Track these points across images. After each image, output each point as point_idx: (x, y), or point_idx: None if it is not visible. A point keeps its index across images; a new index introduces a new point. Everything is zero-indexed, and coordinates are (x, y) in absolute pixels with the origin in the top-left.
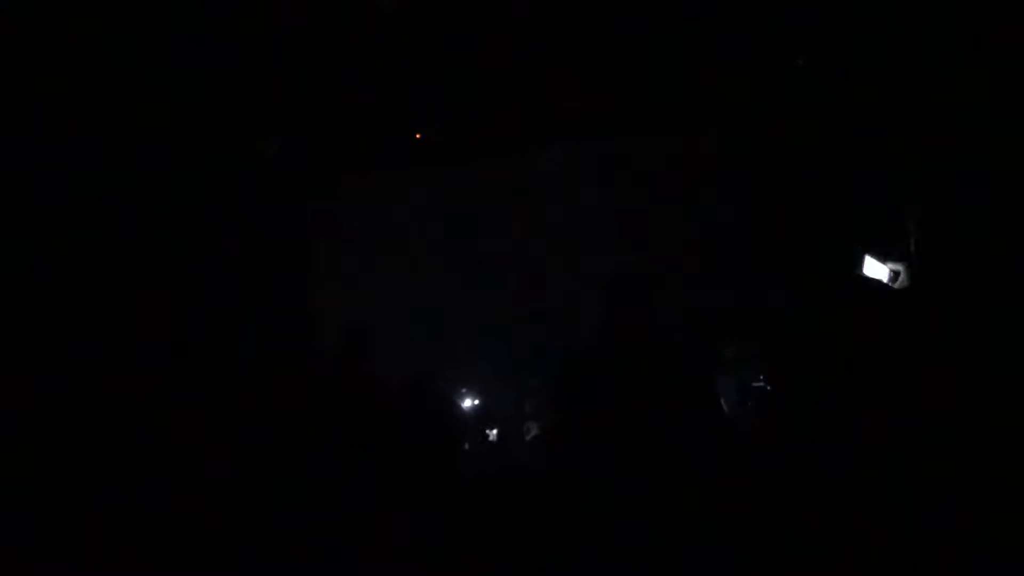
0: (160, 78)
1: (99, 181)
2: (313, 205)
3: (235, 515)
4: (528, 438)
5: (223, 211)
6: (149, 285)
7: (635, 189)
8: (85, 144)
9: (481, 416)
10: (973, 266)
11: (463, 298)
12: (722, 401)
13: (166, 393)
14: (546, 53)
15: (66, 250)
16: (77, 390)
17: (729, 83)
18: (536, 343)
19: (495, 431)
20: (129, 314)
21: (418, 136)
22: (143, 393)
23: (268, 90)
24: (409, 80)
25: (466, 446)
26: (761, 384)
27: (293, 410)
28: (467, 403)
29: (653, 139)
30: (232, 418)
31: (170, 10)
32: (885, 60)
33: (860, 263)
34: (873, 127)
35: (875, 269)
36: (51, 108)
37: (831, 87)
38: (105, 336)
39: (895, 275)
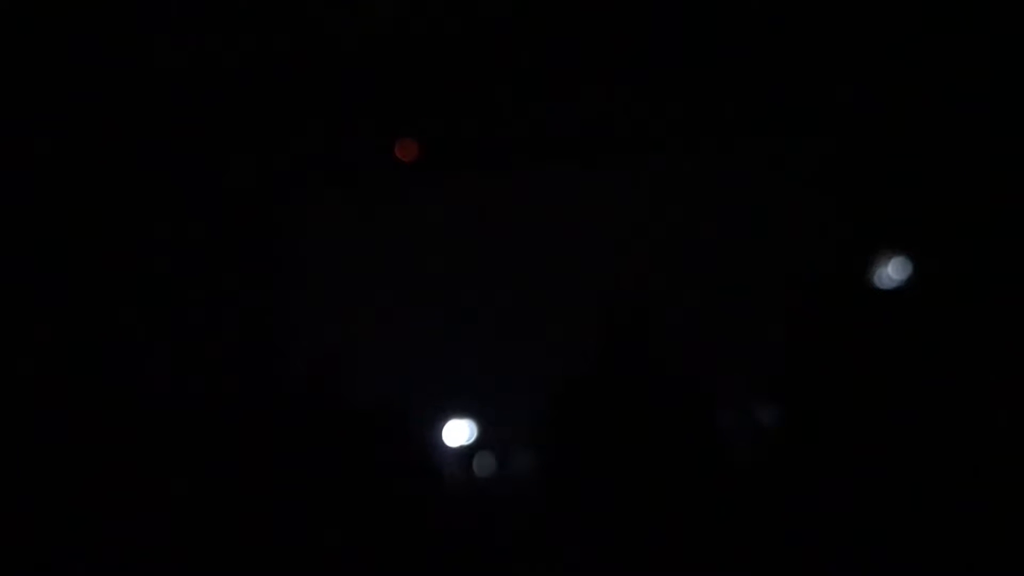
0: (146, 89)
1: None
2: (303, 218)
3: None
4: (522, 463)
5: (205, 221)
6: (123, 295)
7: (636, 207)
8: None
9: (473, 440)
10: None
11: (457, 318)
12: (722, 425)
13: (132, 408)
14: (545, 68)
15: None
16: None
17: (729, 101)
18: (532, 366)
19: (487, 455)
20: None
21: (407, 160)
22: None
23: (259, 104)
24: (403, 94)
25: (455, 471)
26: (763, 407)
27: (267, 431)
28: (459, 427)
29: (653, 157)
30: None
31: (157, 21)
32: (884, 73)
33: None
34: (872, 145)
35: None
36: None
37: (831, 102)
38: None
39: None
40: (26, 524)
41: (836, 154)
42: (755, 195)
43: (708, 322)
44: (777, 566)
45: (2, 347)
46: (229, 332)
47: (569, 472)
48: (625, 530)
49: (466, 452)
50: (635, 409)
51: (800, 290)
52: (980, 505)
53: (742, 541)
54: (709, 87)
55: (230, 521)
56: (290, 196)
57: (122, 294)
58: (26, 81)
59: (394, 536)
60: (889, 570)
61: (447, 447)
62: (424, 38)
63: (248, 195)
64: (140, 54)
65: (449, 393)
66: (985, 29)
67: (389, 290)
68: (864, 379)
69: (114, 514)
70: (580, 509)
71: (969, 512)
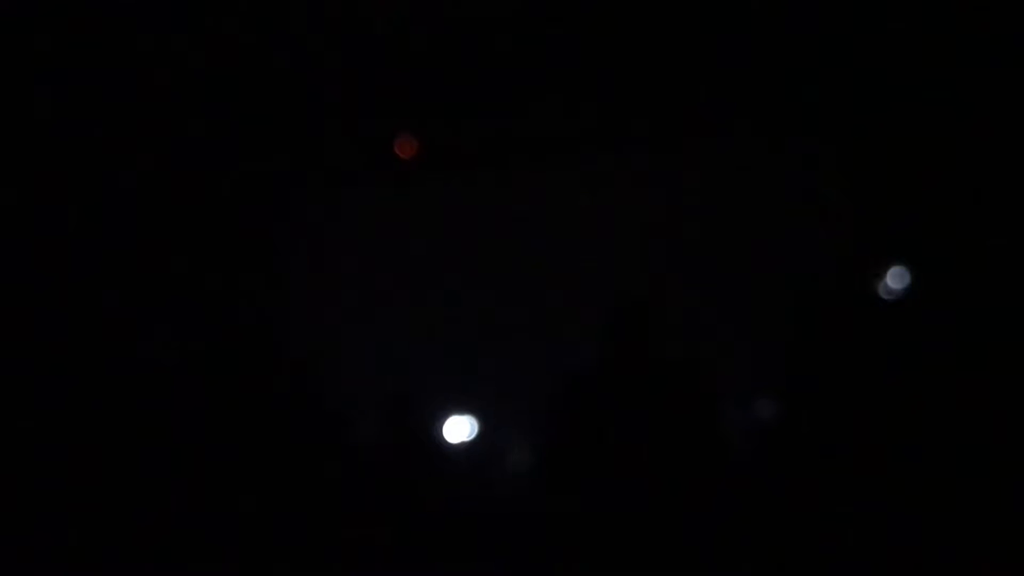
0: (145, 88)
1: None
2: (303, 216)
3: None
4: (523, 462)
5: (205, 221)
6: (121, 290)
7: (636, 205)
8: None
9: (475, 439)
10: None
11: (457, 316)
12: (723, 420)
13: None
14: (546, 65)
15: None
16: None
17: (731, 102)
18: (533, 363)
19: (488, 452)
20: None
21: (404, 156)
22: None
23: (258, 103)
24: (403, 93)
25: (454, 469)
26: (763, 403)
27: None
28: (460, 423)
29: (653, 155)
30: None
31: (157, 19)
32: (884, 73)
33: (865, 282)
34: (873, 143)
35: (880, 286)
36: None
37: (831, 102)
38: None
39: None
40: (25, 524)
41: (838, 155)
42: (755, 196)
43: (708, 321)
44: (777, 566)
45: (2, 346)
46: (229, 330)
47: (569, 469)
48: (625, 528)
49: (467, 448)
50: (635, 406)
51: (801, 290)
52: (979, 506)
53: (742, 540)
54: (711, 88)
55: (230, 518)
56: (291, 195)
57: (122, 294)
58: (25, 80)
59: (394, 532)
60: (888, 570)
61: (448, 444)
62: (424, 37)
63: (247, 194)
64: (139, 53)
65: (450, 390)
66: (985, 29)
67: (389, 288)
68: (864, 379)
69: (116, 513)
70: (581, 506)
71: (968, 513)
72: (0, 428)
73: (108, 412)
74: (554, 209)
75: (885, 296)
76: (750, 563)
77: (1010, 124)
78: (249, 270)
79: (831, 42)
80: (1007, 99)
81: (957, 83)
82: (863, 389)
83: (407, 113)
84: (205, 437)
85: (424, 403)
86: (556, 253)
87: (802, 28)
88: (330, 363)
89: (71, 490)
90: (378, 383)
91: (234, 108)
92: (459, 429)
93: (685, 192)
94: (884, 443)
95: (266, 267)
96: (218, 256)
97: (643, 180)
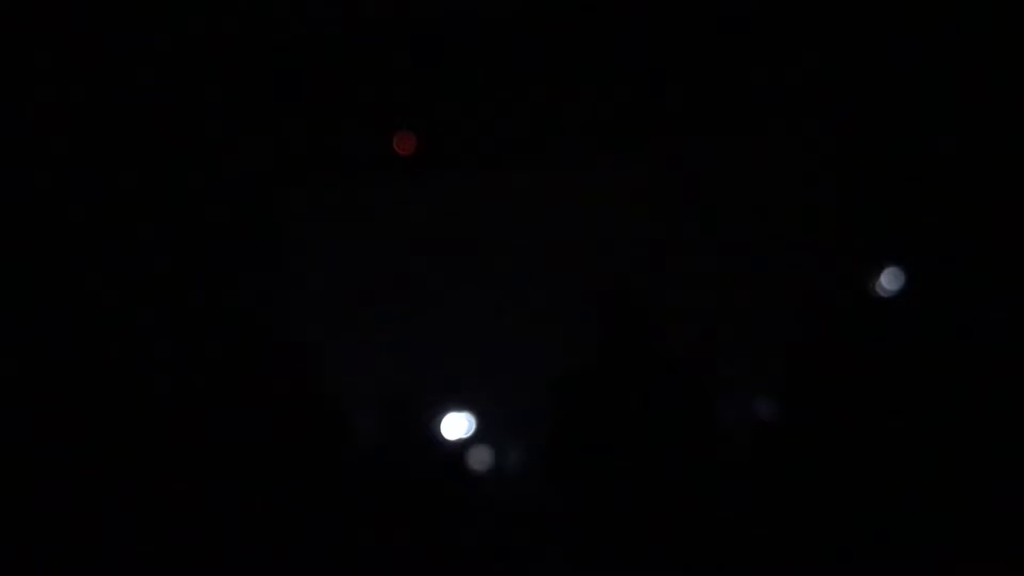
0: (143, 87)
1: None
2: (301, 216)
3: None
4: (522, 461)
5: (203, 220)
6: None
7: (636, 203)
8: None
9: (470, 438)
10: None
11: (455, 313)
12: (723, 420)
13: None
14: (544, 62)
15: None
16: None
17: (729, 101)
18: (530, 361)
19: (485, 449)
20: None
21: (403, 153)
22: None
23: (257, 102)
24: (402, 92)
25: (452, 467)
26: (761, 403)
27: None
28: (455, 424)
29: (652, 152)
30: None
31: (155, 18)
32: (884, 73)
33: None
34: (872, 140)
35: (881, 286)
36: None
37: (829, 99)
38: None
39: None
40: (25, 524)
41: (837, 155)
42: (755, 196)
43: (706, 321)
44: (777, 566)
45: (1, 346)
46: (228, 329)
47: (568, 468)
48: (625, 527)
49: (465, 446)
50: (634, 406)
51: (800, 290)
52: (979, 506)
53: (742, 540)
54: (710, 88)
55: (227, 518)
56: (289, 194)
57: (121, 294)
58: (22, 77)
59: (391, 529)
60: (888, 570)
61: (445, 441)
62: (425, 36)
63: (246, 193)
64: (138, 52)
65: (449, 388)
66: (985, 29)
67: (389, 287)
68: (863, 379)
69: (116, 513)
70: (580, 505)
71: (968, 513)
72: (0, 428)
73: (107, 411)
74: (554, 209)
75: (884, 296)
76: (749, 563)
77: (1010, 124)
78: (249, 269)
79: (831, 42)
80: (1007, 99)
81: (957, 83)
82: (862, 389)
83: (407, 112)
84: (204, 436)
85: (423, 401)
86: (555, 253)
87: (802, 28)
88: (330, 363)
89: (71, 490)
90: (378, 382)
91: (234, 107)
92: (457, 427)
93: (685, 192)
94: (884, 443)
95: (266, 266)
96: (218, 255)
97: (643, 180)
